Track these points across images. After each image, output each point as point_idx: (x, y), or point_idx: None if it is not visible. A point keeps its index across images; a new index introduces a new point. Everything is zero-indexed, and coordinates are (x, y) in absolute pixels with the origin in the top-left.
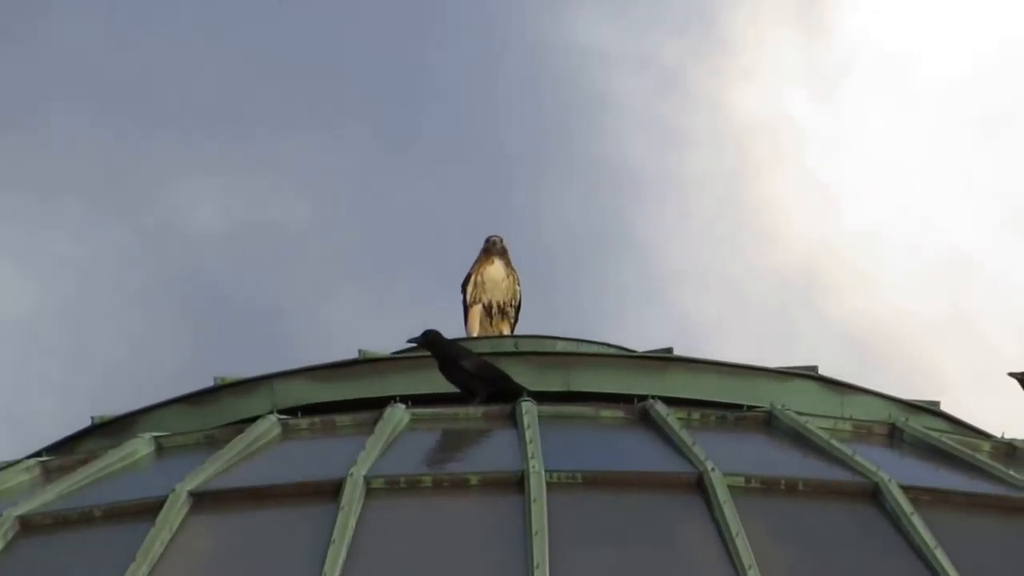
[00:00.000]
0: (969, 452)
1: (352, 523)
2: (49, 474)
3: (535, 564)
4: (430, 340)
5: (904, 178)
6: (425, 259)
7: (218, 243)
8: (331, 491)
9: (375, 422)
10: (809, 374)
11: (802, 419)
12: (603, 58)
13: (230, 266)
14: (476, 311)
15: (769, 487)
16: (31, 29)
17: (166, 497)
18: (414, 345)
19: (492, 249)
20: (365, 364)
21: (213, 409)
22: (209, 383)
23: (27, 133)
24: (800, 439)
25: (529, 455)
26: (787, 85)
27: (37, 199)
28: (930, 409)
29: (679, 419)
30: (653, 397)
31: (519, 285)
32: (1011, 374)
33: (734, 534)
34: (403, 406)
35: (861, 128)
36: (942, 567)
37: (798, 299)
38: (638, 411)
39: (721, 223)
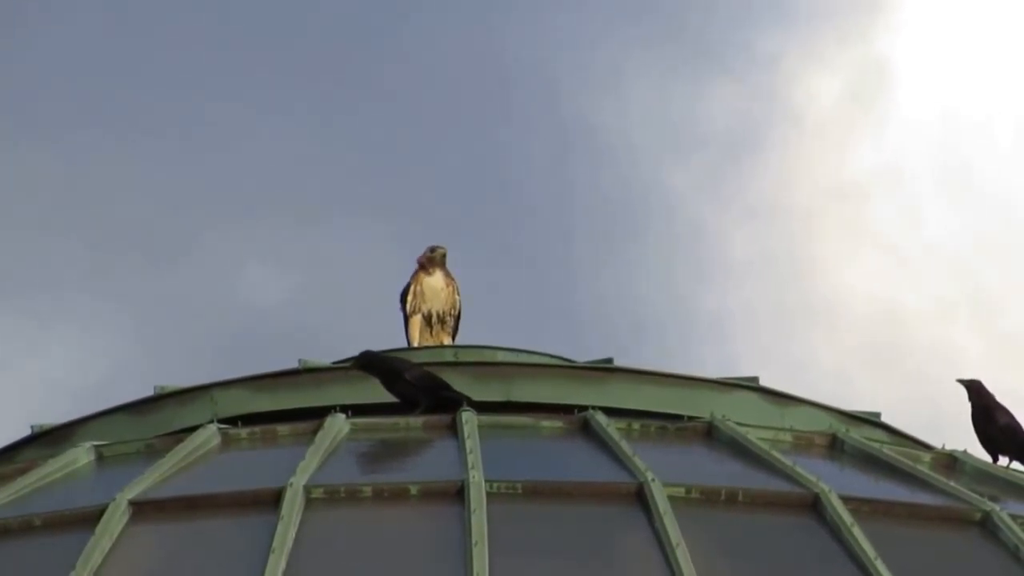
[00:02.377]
0: (909, 463)
1: (292, 533)
2: None
3: (475, 574)
4: (367, 362)
5: None
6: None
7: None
8: (271, 500)
9: (315, 432)
10: (750, 385)
11: (743, 430)
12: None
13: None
14: (416, 321)
15: (709, 498)
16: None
17: (106, 506)
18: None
19: (432, 259)
20: (306, 374)
21: (154, 418)
22: (150, 393)
23: None
24: (741, 450)
25: (469, 465)
26: None
27: None
28: (871, 420)
29: (619, 429)
30: (593, 407)
31: (459, 295)
32: (960, 381)
33: (674, 545)
34: (343, 416)
35: None
36: None
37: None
38: (578, 421)
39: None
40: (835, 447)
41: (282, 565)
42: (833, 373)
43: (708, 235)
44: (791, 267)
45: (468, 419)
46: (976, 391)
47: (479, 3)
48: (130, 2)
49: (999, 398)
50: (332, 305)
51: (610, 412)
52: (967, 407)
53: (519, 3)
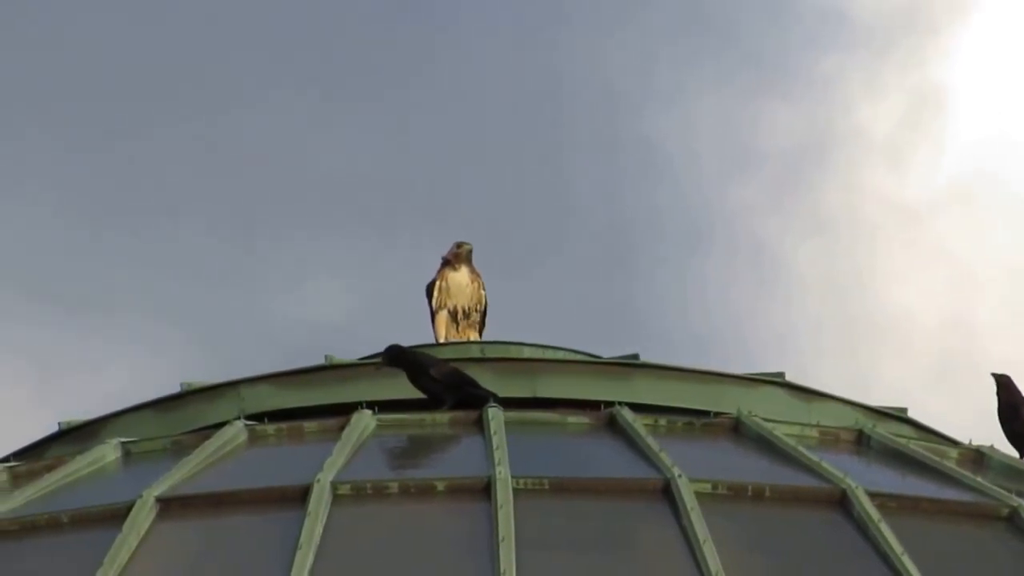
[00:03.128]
0: (936, 459)
1: (319, 529)
2: (16, 479)
3: (502, 570)
4: (394, 357)
5: None
6: (393, 261)
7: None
8: (298, 497)
9: (342, 428)
10: (776, 380)
11: (769, 425)
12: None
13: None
14: (442, 316)
15: (736, 493)
16: None
17: (133, 503)
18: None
19: (458, 255)
20: (332, 370)
21: (180, 415)
22: (177, 389)
23: None
24: (767, 445)
25: (496, 461)
26: None
27: None
28: (897, 416)
29: (646, 425)
30: (620, 403)
31: (484, 290)
32: (993, 374)
33: (701, 541)
34: (370, 412)
35: None
36: (909, 574)
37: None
38: (605, 417)
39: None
40: (862, 443)
41: (309, 562)
42: (896, 387)
43: (770, 250)
44: (854, 281)
45: (494, 415)
46: (1005, 386)
47: (540, 19)
48: (189, 17)
49: None
50: (360, 302)
51: (636, 408)
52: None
53: (581, 19)
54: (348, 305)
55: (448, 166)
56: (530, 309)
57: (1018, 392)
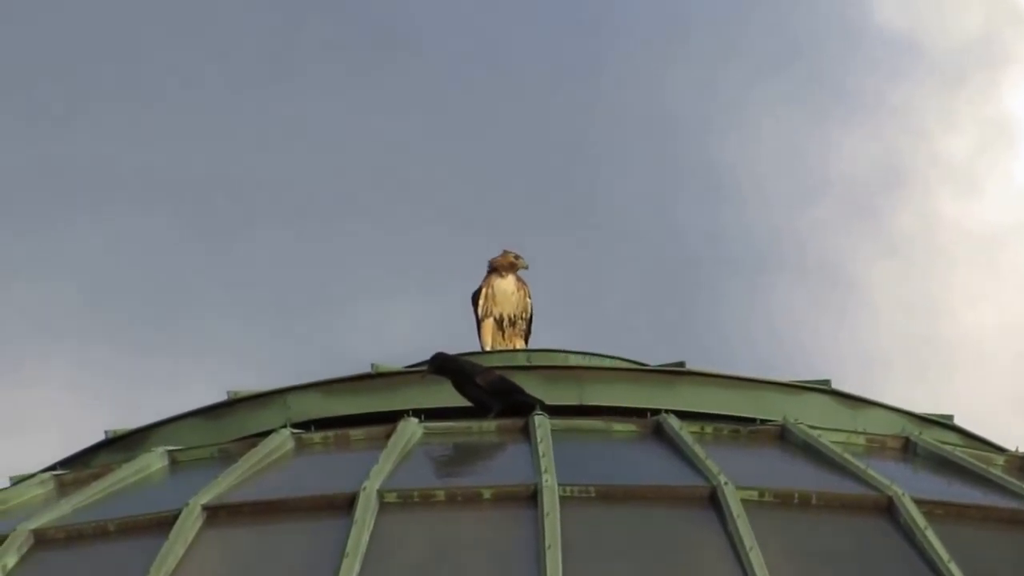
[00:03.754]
0: (983, 466)
1: (366, 537)
2: (63, 488)
3: None
4: (440, 365)
5: None
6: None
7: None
8: (344, 505)
9: (388, 436)
10: (822, 388)
11: (815, 433)
12: None
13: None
14: (488, 324)
15: (783, 501)
16: None
17: (180, 511)
18: (426, 359)
19: (503, 263)
20: (378, 378)
21: (227, 423)
22: (223, 398)
23: None
24: (813, 452)
25: (542, 469)
26: None
27: None
28: (944, 423)
29: (692, 433)
30: (666, 411)
31: (530, 298)
32: None
33: (748, 548)
34: (416, 420)
35: None
36: None
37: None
38: (651, 425)
39: None
40: (908, 450)
41: (356, 569)
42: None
43: (841, 272)
44: (927, 305)
45: (541, 422)
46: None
47: (604, 43)
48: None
49: None
50: (410, 310)
51: (682, 415)
52: None
53: (649, 49)
54: (395, 313)
55: (507, 183)
56: (593, 332)
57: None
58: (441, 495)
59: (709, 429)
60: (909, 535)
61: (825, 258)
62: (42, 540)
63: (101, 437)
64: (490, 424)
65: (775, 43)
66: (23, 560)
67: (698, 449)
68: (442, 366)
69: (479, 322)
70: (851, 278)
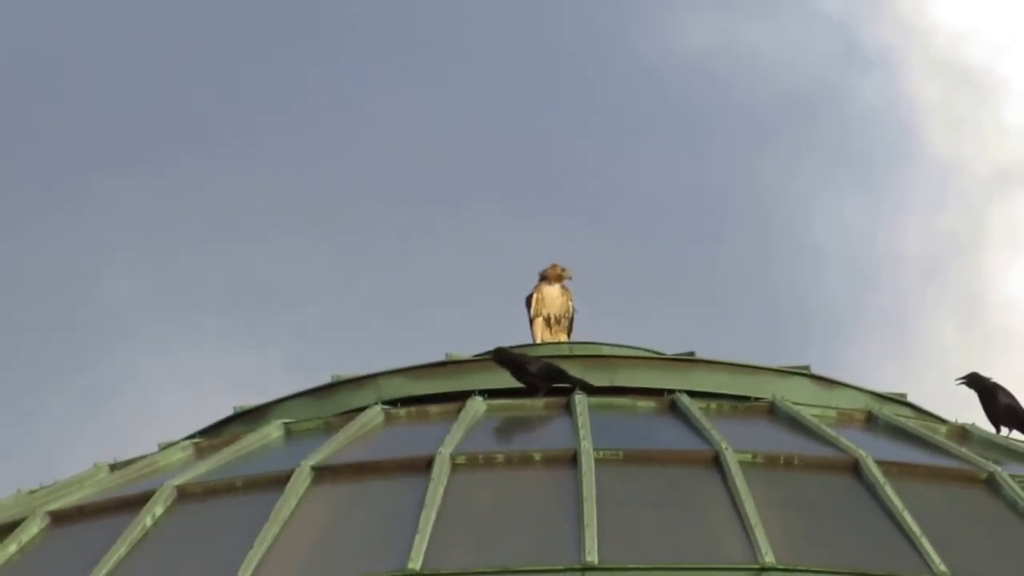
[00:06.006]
0: (930, 434)
1: (441, 491)
2: (200, 453)
3: (585, 524)
4: (500, 356)
5: None
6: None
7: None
8: (424, 466)
9: (459, 411)
10: (803, 372)
11: (798, 408)
12: None
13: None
14: (539, 322)
15: (771, 462)
16: None
17: (293, 471)
18: (489, 351)
19: (552, 273)
20: (452, 365)
21: (331, 401)
22: (328, 380)
23: None
24: (796, 424)
25: (581, 437)
26: None
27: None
28: (899, 400)
29: (700, 408)
30: (680, 391)
31: (572, 301)
32: (958, 381)
33: (744, 499)
34: (481, 398)
35: None
36: (908, 526)
37: None
38: (667, 402)
39: None
40: (871, 421)
41: (432, 517)
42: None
43: (921, 337)
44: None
45: (580, 400)
46: (975, 380)
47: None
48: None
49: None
50: (476, 308)
51: (693, 394)
52: None
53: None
54: (466, 313)
55: (558, 204)
56: (622, 328)
57: (988, 380)
58: (501, 457)
59: (714, 405)
60: (871, 489)
61: (903, 322)
62: (184, 494)
63: (230, 412)
64: (539, 401)
65: (847, 133)
66: (168, 510)
67: (705, 421)
68: (501, 356)
69: (531, 320)
70: (925, 340)
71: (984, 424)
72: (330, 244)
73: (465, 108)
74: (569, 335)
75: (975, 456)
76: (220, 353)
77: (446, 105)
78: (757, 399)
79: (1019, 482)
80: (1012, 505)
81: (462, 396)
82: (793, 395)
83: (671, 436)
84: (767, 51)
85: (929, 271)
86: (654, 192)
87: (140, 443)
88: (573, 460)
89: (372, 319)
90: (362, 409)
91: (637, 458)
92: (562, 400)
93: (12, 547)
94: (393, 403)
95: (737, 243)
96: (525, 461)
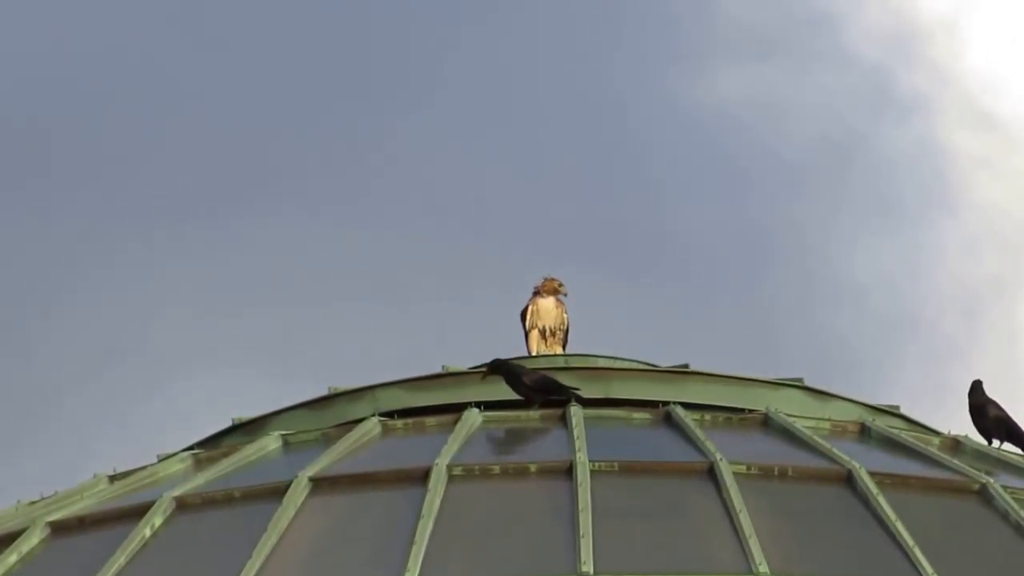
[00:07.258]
0: (922, 445)
1: (437, 502)
2: (199, 464)
3: (581, 534)
4: (496, 368)
5: None
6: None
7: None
8: (421, 476)
9: (455, 423)
10: (796, 384)
11: (791, 419)
12: None
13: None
14: (534, 334)
15: (765, 473)
16: None
17: (291, 481)
18: (485, 363)
19: (547, 287)
20: (448, 377)
21: (328, 412)
22: (325, 392)
23: None
24: (790, 435)
25: (576, 448)
26: None
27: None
28: (892, 412)
29: (694, 420)
30: (674, 403)
31: (566, 313)
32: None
33: (738, 510)
34: (477, 410)
35: None
36: (901, 536)
37: None
38: (662, 414)
39: None
40: (864, 433)
41: (430, 527)
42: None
43: (957, 360)
44: None
45: (575, 412)
46: (975, 390)
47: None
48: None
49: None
50: (471, 323)
51: (687, 406)
52: None
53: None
54: (461, 326)
55: (551, 219)
56: (617, 341)
57: (984, 394)
58: (497, 469)
59: (708, 417)
60: (864, 500)
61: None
62: (182, 505)
63: (228, 424)
64: (535, 413)
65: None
66: (167, 521)
67: (699, 433)
68: (497, 368)
69: (526, 333)
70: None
71: (976, 436)
72: (328, 253)
73: (500, 157)
74: (564, 347)
75: (968, 467)
76: (219, 365)
77: (481, 158)
78: (751, 411)
79: (1011, 493)
80: (1004, 516)
81: (459, 408)
82: (787, 407)
83: (666, 447)
84: (802, 99)
85: (968, 312)
86: (692, 241)
87: (140, 454)
88: (569, 471)
89: (369, 332)
90: (359, 421)
91: (632, 469)
92: (558, 412)
93: (12, 557)
94: (390, 415)
95: (777, 282)
96: (521, 472)
